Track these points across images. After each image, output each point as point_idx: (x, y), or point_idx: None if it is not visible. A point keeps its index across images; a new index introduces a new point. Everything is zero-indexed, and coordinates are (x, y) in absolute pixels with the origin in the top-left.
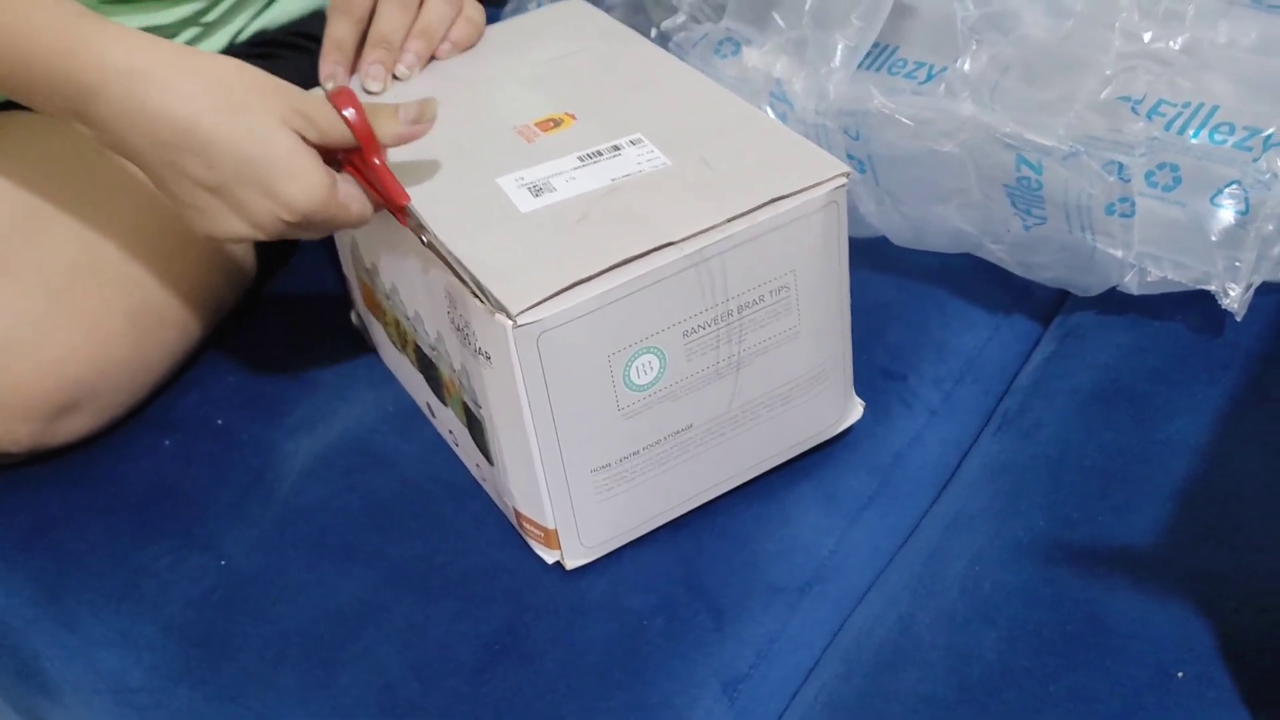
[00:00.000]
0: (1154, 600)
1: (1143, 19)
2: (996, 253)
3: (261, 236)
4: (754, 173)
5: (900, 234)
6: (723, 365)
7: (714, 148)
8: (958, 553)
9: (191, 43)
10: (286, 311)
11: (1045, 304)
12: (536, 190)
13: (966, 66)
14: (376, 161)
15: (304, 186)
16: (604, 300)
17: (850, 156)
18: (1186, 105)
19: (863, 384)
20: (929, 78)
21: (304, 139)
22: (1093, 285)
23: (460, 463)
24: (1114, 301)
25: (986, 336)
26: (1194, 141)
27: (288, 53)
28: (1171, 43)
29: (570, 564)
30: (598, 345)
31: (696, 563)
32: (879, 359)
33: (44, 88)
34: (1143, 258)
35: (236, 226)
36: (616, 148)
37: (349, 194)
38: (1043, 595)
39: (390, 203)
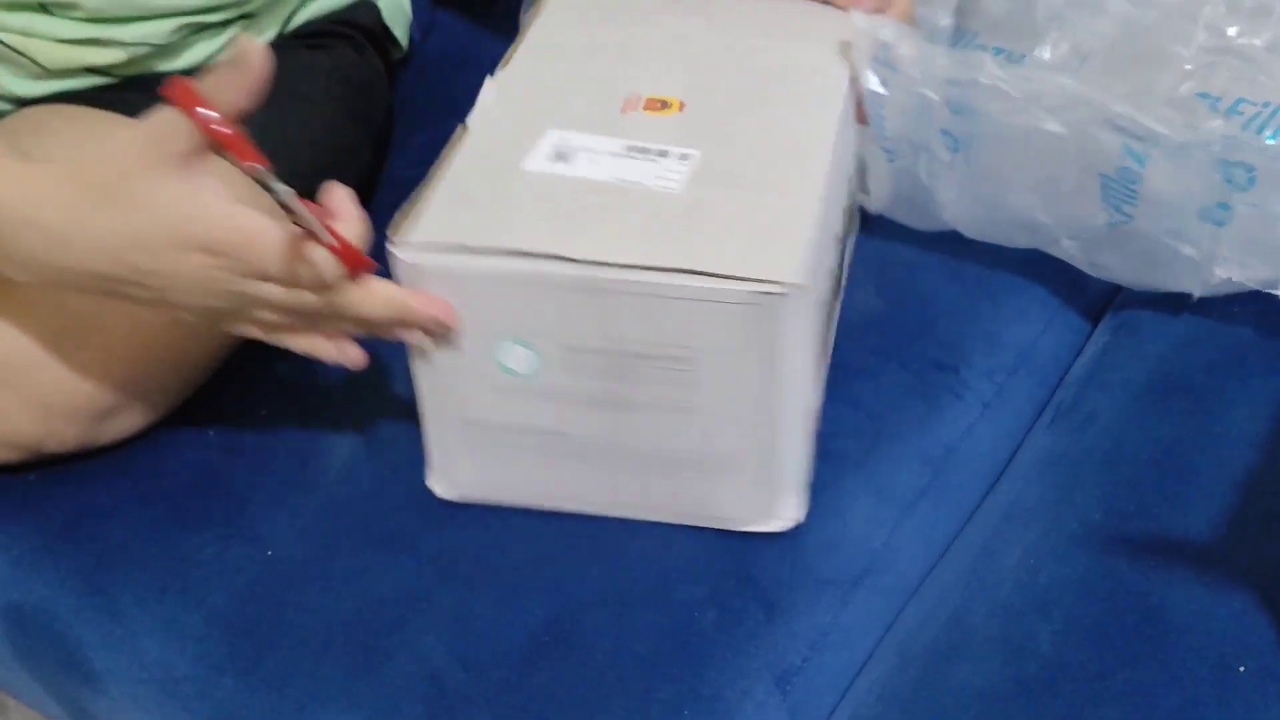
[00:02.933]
0: (1213, 593)
1: (1229, 13)
2: (1069, 249)
3: (219, 306)
4: (718, 237)
5: (972, 225)
6: (607, 397)
7: (728, 196)
8: (1012, 545)
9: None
10: None
11: (1098, 296)
12: (558, 156)
13: (1046, 54)
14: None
15: (209, 219)
16: (484, 276)
17: (945, 133)
18: (1266, 105)
19: (914, 375)
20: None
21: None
22: (1159, 286)
23: None
24: (1168, 294)
25: (1039, 328)
26: (1271, 142)
27: (335, 42)
28: (1256, 39)
29: (436, 490)
30: (473, 314)
31: (746, 554)
32: (930, 350)
33: None
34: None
35: (191, 298)
36: (663, 153)
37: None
38: (1099, 588)
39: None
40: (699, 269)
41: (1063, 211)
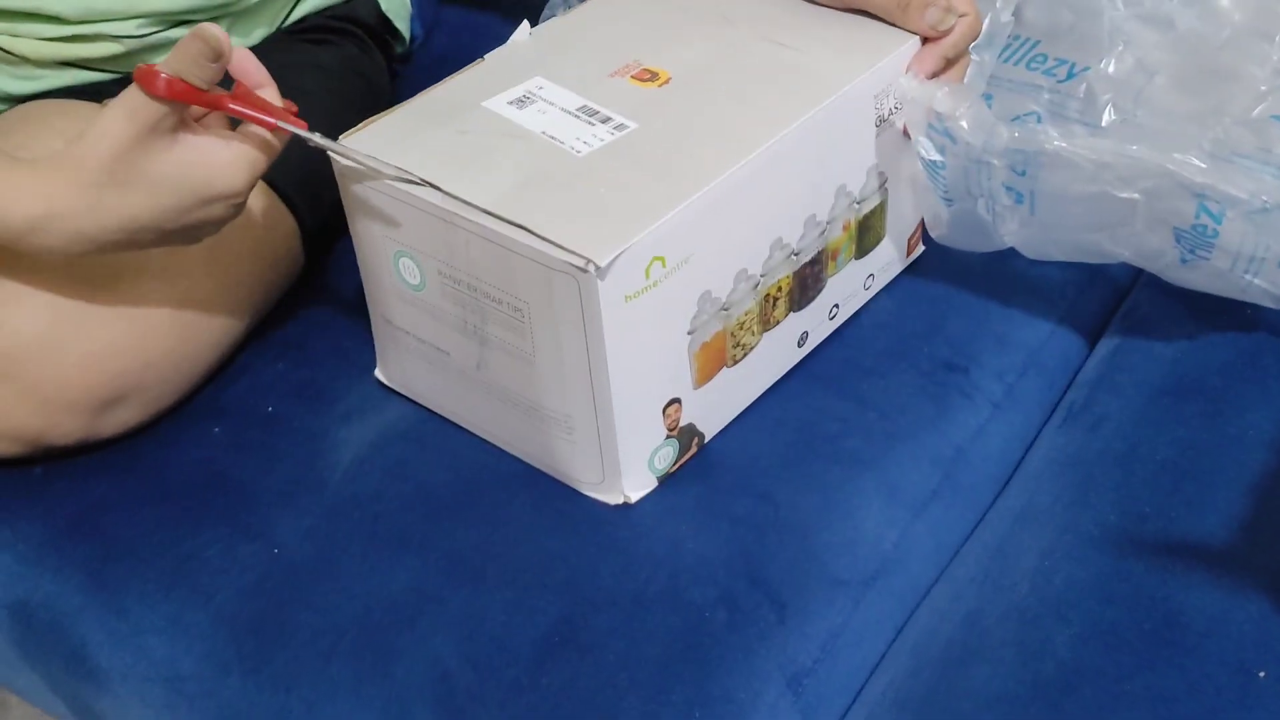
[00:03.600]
0: (1232, 597)
1: None
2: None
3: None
4: (575, 204)
5: (1034, 249)
6: (470, 328)
7: (619, 171)
8: (1026, 547)
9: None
10: (336, 298)
11: (1108, 296)
12: (520, 101)
13: (1111, 69)
14: (231, 105)
15: (220, 170)
16: (380, 188)
17: (1009, 188)
18: None
19: (924, 376)
20: (1069, 76)
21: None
22: (1236, 298)
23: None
24: (1179, 293)
25: (1049, 329)
26: None
27: (337, 38)
28: None
29: (377, 374)
30: (375, 221)
31: (757, 555)
32: (940, 351)
33: None
34: None
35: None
36: (606, 120)
37: (240, 140)
38: (1116, 591)
39: (267, 123)
40: (532, 228)
41: (1133, 245)
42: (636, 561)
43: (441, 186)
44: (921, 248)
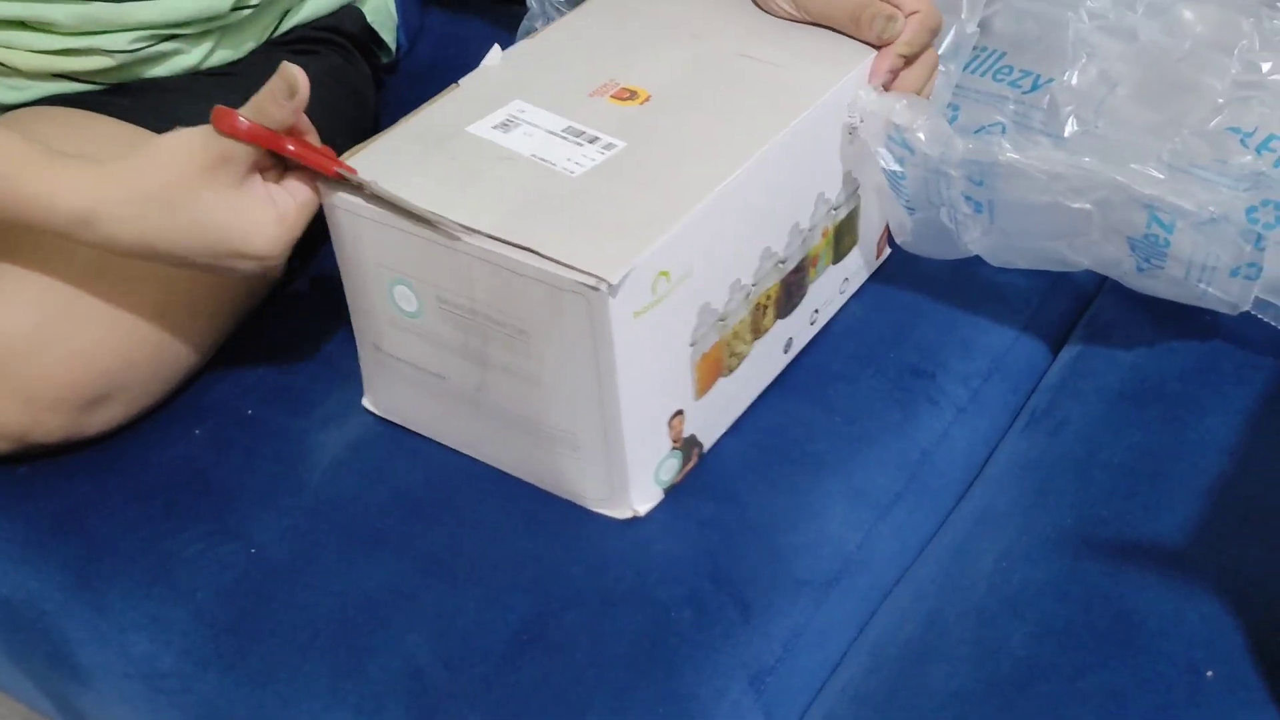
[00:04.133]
0: (1184, 598)
1: (1263, 48)
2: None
3: (272, 267)
4: (577, 224)
5: (998, 257)
6: (470, 352)
7: (617, 189)
8: (985, 548)
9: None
10: (318, 301)
11: (1073, 303)
12: (504, 125)
13: (1074, 80)
14: (290, 148)
15: (263, 234)
16: (372, 217)
17: (967, 198)
18: None
19: (890, 381)
20: (1034, 87)
21: (237, 183)
22: (1197, 304)
23: None
24: (1142, 300)
25: (1014, 335)
26: None
27: (322, 48)
28: None
29: (364, 403)
30: (369, 250)
31: (723, 555)
32: (907, 357)
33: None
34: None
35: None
36: (594, 139)
37: (287, 202)
38: (1072, 592)
39: (321, 173)
40: (536, 249)
41: (1092, 254)
42: (605, 561)
43: (442, 214)
44: (888, 250)
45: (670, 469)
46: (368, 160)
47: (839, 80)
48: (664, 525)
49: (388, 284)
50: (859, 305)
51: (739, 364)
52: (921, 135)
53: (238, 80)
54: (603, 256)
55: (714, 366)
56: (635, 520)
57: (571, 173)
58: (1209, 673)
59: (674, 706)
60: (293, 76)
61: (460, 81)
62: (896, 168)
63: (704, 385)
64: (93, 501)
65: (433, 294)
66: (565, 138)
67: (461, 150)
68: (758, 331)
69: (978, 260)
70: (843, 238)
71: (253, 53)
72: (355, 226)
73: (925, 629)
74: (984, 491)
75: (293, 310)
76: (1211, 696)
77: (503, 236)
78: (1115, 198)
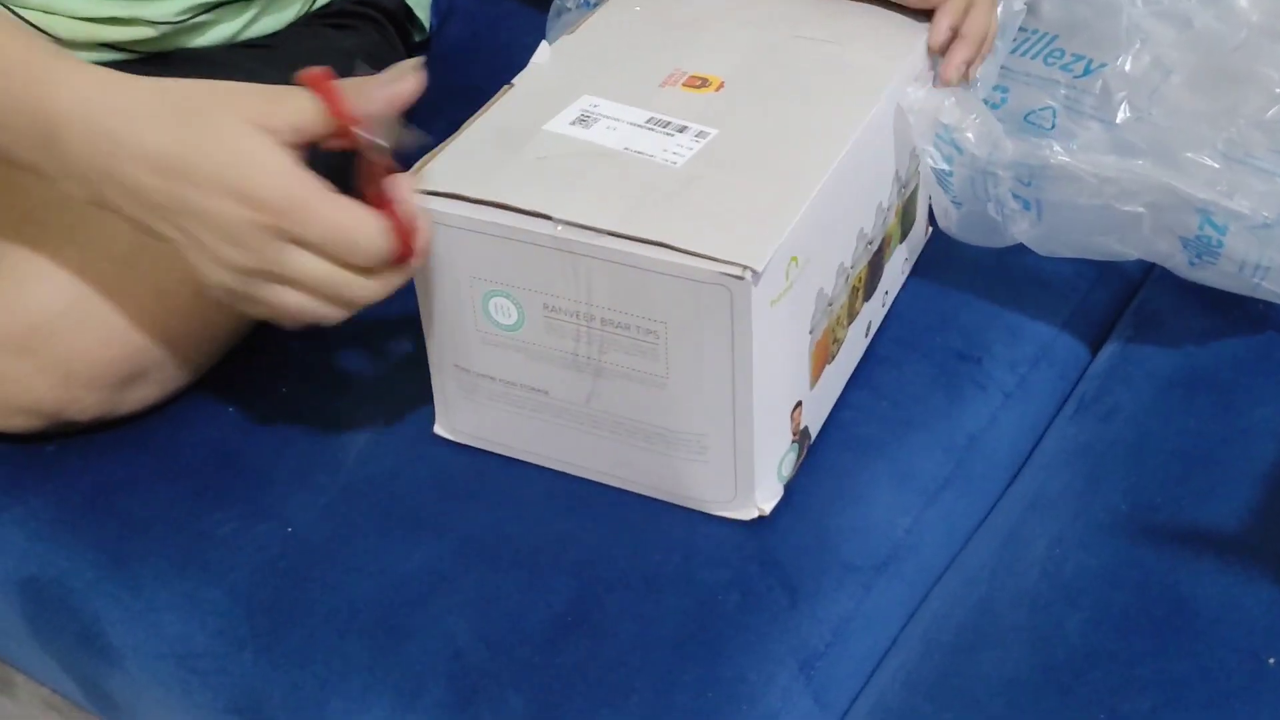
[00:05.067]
0: (1242, 585)
1: None
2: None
3: (245, 266)
4: (700, 215)
5: (1045, 248)
6: (581, 360)
7: (727, 177)
8: (1037, 534)
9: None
10: None
11: (1120, 290)
12: (581, 120)
13: (1127, 66)
14: (356, 130)
15: (266, 175)
16: (470, 226)
17: (1016, 196)
18: None
19: (936, 366)
20: (1086, 72)
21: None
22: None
23: None
24: (1191, 288)
25: (1061, 321)
26: None
27: (359, 23)
28: None
29: (437, 430)
30: (462, 262)
31: (769, 538)
32: (953, 341)
33: (12, 123)
34: None
35: (219, 250)
36: (682, 129)
37: (335, 204)
38: (1127, 578)
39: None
40: (670, 243)
41: (1142, 248)
42: (650, 543)
43: (554, 215)
44: (931, 228)
45: (789, 463)
46: (443, 169)
47: (905, 58)
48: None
49: (482, 296)
50: (904, 290)
51: (839, 350)
52: (970, 135)
53: (275, 53)
54: (739, 245)
55: (823, 353)
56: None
57: (674, 163)
58: (1270, 660)
59: (720, 690)
60: (408, 73)
61: (514, 81)
62: (945, 166)
63: (816, 374)
64: (124, 481)
65: (538, 303)
66: (652, 129)
67: (547, 149)
68: (852, 315)
69: (1023, 248)
70: (907, 216)
71: (291, 25)
72: (447, 237)
73: (978, 615)
74: (1034, 477)
75: None
76: (1273, 684)
77: (628, 233)
78: (1167, 201)
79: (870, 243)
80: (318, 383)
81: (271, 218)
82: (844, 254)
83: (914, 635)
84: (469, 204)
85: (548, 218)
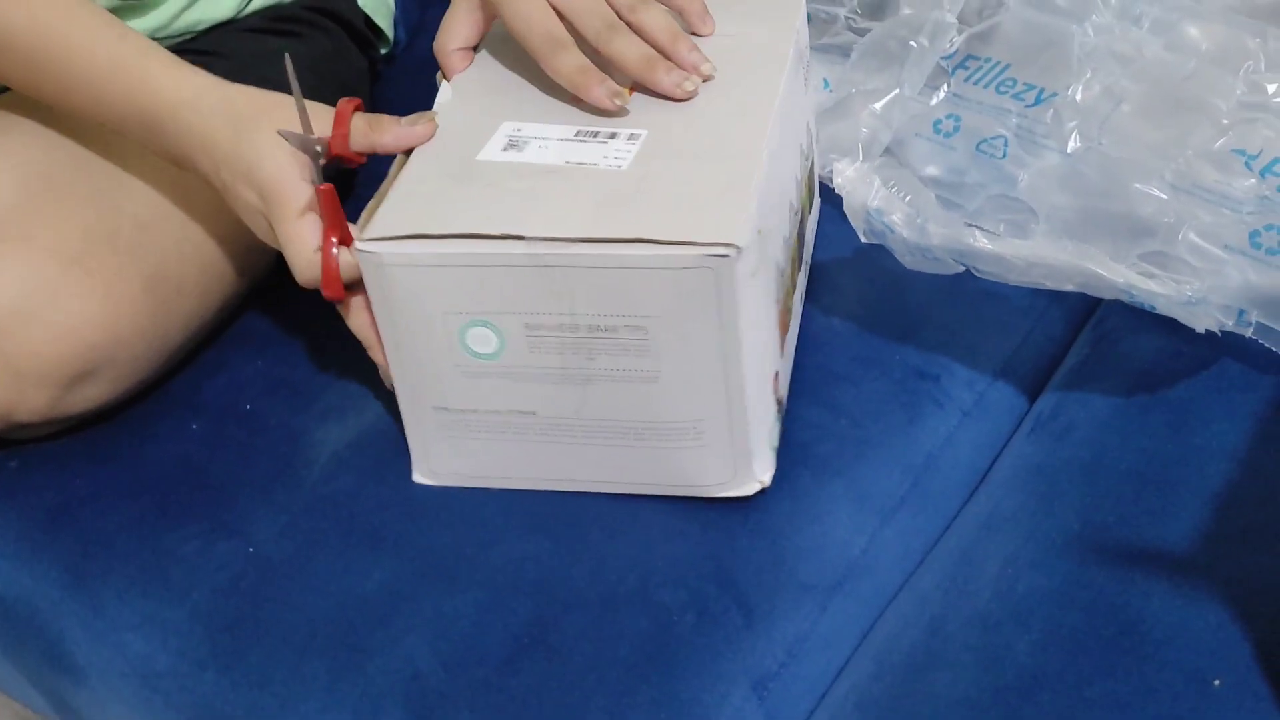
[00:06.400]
0: (1191, 606)
1: (1269, 70)
2: None
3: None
4: (665, 207)
5: (996, 280)
6: (570, 372)
7: (675, 169)
8: (990, 554)
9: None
10: (316, 296)
11: (1079, 307)
12: (511, 145)
13: (1078, 95)
14: (323, 161)
15: (270, 174)
16: (441, 261)
17: (957, 259)
18: None
19: (895, 384)
20: (1038, 101)
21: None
22: None
23: None
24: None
25: (1019, 339)
26: None
27: (309, 31)
28: None
29: (416, 478)
30: (434, 300)
31: (727, 558)
32: (912, 359)
33: (124, 113)
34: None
35: (244, 219)
36: (613, 135)
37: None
38: (1077, 598)
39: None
40: (647, 237)
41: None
42: (607, 563)
43: (525, 234)
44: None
45: (775, 432)
46: (395, 213)
47: (793, 33)
48: (666, 528)
49: (458, 330)
50: (862, 307)
51: (790, 319)
52: (897, 218)
53: (214, 60)
54: (715, 226)
55: (784, 324)
56: (637, 522)
57: (619, 166)
58: (1216, 681)
59: (675, 711)
60: (424, 120)
61: (434, 112)
62: (881, 242)
63: (781, 343)
64: (87, 497)
65: (519, 324)
66: (584, 140)
67: (490, 177)
68: (794, 285)
69: None
70: (810, 188)
71: (238, 30)
72: (413, 278)
73: (929, 635)
74: (989, 496)
75: (290, 304)
76: (1219, 705)
77: (604, 236)
78: (1093, 283)
79: (796, 213)
80: (281, 400)
81: (264, 205)
82: (784, 226)
83: (866, 655)
84: (434, 240)
85: (520, 237)
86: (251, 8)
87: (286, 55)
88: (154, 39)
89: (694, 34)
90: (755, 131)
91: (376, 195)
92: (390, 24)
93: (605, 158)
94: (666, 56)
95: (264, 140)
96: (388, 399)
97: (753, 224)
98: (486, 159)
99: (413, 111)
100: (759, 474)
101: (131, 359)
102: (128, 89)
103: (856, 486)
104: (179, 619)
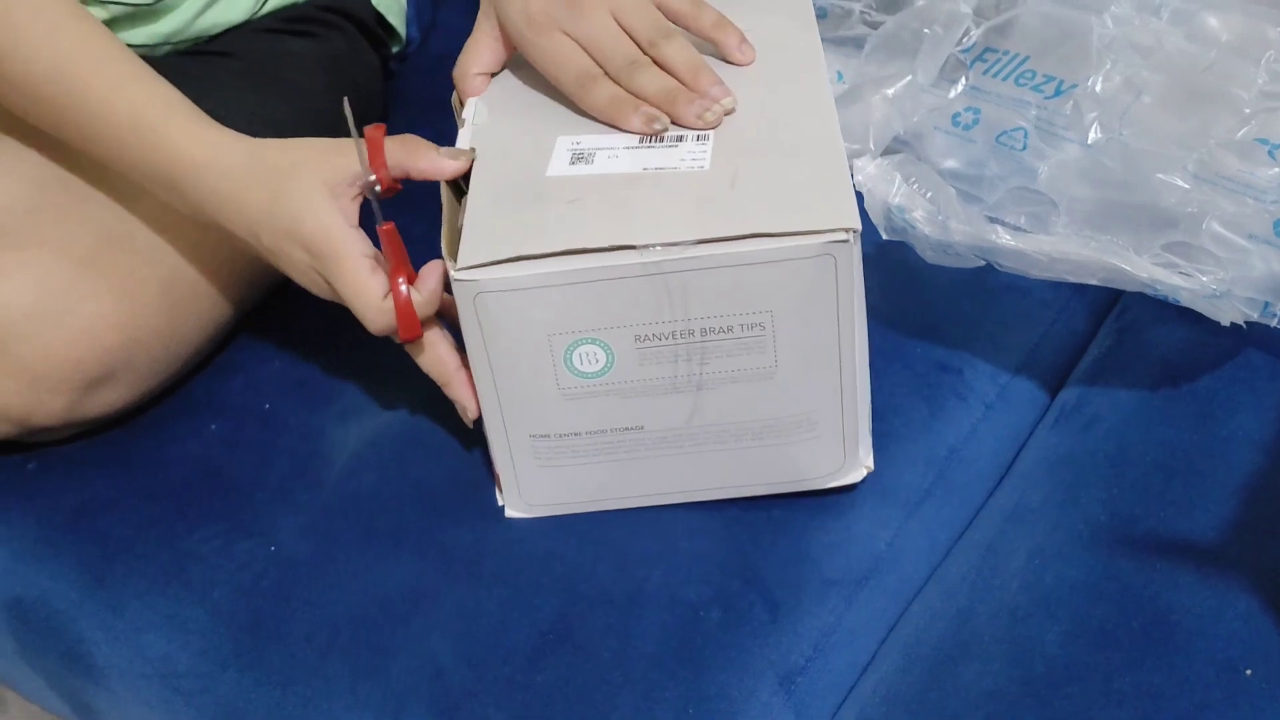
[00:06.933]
0: (1220, 596)
1: None
2: None
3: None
4: (768, 201)
5: (1018, 273)
6: (681, 381)
7: (760, 164)
8: (1017, 546)
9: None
10: None
11: (1101, 299)
12: (578, 158)
13: (1098, 86)
14: (396, 184)
15: (316, 227)
16: (546, 281)
17: (978, 254)
18: None
19: (918, 377)
20: (1057, 92)
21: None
22: None
23: None
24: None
25: (1041, 331)
26: None
27: (324, 30)
28: None
29: (510, 513)
30: (538, 322)
31: (752, 554)
32: (934, 353)
33: (145, 172)
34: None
35: (299, 279)
36: (680, 138)
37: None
38: (1106, 590)
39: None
40: (764, 231)
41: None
42: (632, 560)
43: (636, 242)
44: None
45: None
46: (480, 240)
47: (812, 24)
48: (691, 524)
49: (564, 351)
50: (884, 300)
51: None
52: (919, 215)
53: (231, 61)
54: (826, 214)
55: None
56: (660, 519)
57: (702, 167)
58: (1248, 671)
59: (702, 707)
60: (462, 154)
61: (472, 147)
62: (902, 239)
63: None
64: (106, 499)
65: (628, 337)
66: (653, 146)
67: (570, 191)
68: None
69: None
70: None
71: (252, 30)
72: (516, 303)
73: (957, 628)
74: (1014, 488)
75: (306, 304)
76: (1250, 695)
77: (718, 236)
78: (1115, 277)
79: None
80: (300, 400)
81: (317, 262)
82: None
83: (894, 649)
84: (536, 260)
85: (631, 247)
86: (266, 9)
87: (345, 99)
88: (171, 43)
89: (730, 63)
90: (825, 123)
91: (446, 224)
92: (403, 22)
93: (683, 160)
94: (689, 89)
95: (300, 192)
96: (407, 398)
97: (857, 208)
98: (557, 174)
99: (425, 109)
100: (864, 459)
101: (149, 361)
102: (147, 146)
103: (880, 480)
104: (200, 619)
